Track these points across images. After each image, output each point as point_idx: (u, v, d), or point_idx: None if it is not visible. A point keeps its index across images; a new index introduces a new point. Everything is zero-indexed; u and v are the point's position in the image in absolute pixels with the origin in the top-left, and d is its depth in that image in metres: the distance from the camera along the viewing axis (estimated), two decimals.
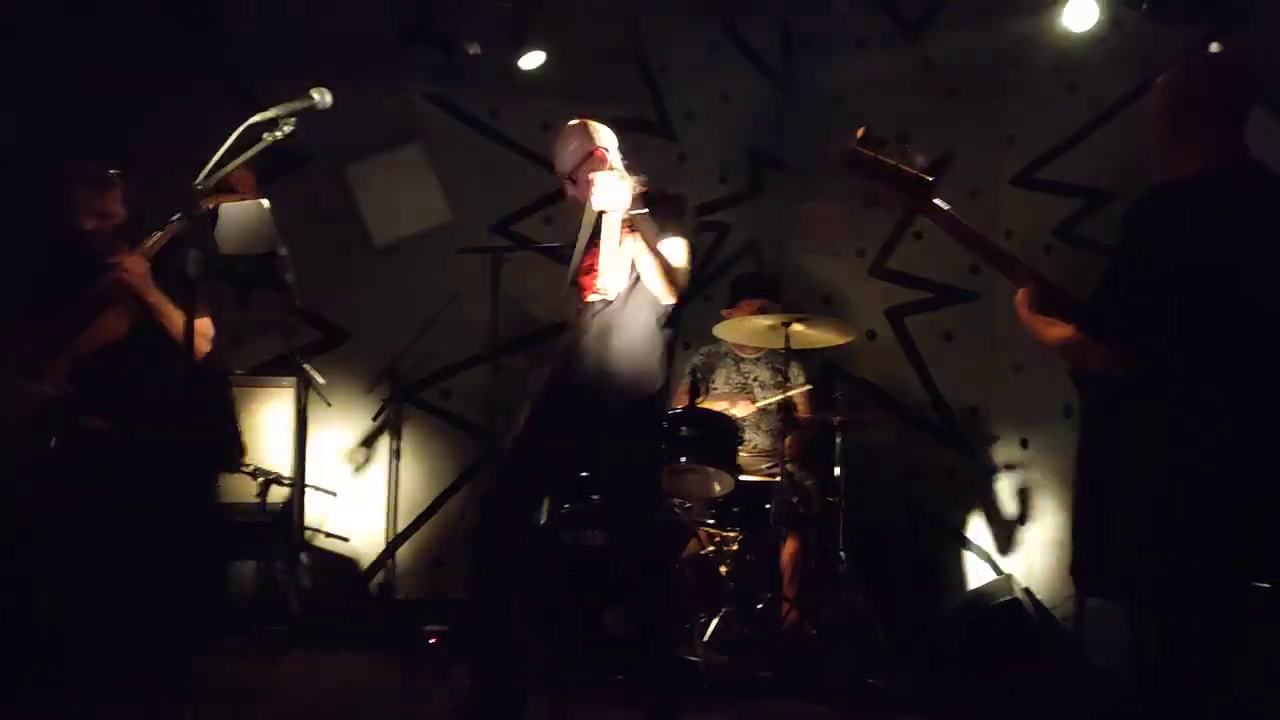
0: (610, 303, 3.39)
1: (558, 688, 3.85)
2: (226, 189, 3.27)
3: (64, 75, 4.80)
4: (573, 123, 3.58)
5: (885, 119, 5.55)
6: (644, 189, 3.34)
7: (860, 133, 2.58)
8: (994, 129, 5.34)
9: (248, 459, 4.62)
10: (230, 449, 4.62)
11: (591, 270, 3.40)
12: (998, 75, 5.32)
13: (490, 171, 5.60)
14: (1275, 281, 2.22)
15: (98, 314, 3.16)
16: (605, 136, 3.53)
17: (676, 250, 3.39)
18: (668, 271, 3.32)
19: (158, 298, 3.16)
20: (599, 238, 3.37)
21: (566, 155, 3.51)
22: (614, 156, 3.46)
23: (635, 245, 3.26)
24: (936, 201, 2.58)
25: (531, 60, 5.35)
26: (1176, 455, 2.27)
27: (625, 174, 3.22)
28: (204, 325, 3.41)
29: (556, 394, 3.42)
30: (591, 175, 3.18)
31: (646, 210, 3.23)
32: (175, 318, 3.25)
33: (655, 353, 3.44)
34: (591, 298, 3.41)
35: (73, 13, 4.69)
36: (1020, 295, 2.50)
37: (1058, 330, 2.44)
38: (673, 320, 3.52)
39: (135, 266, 3.12)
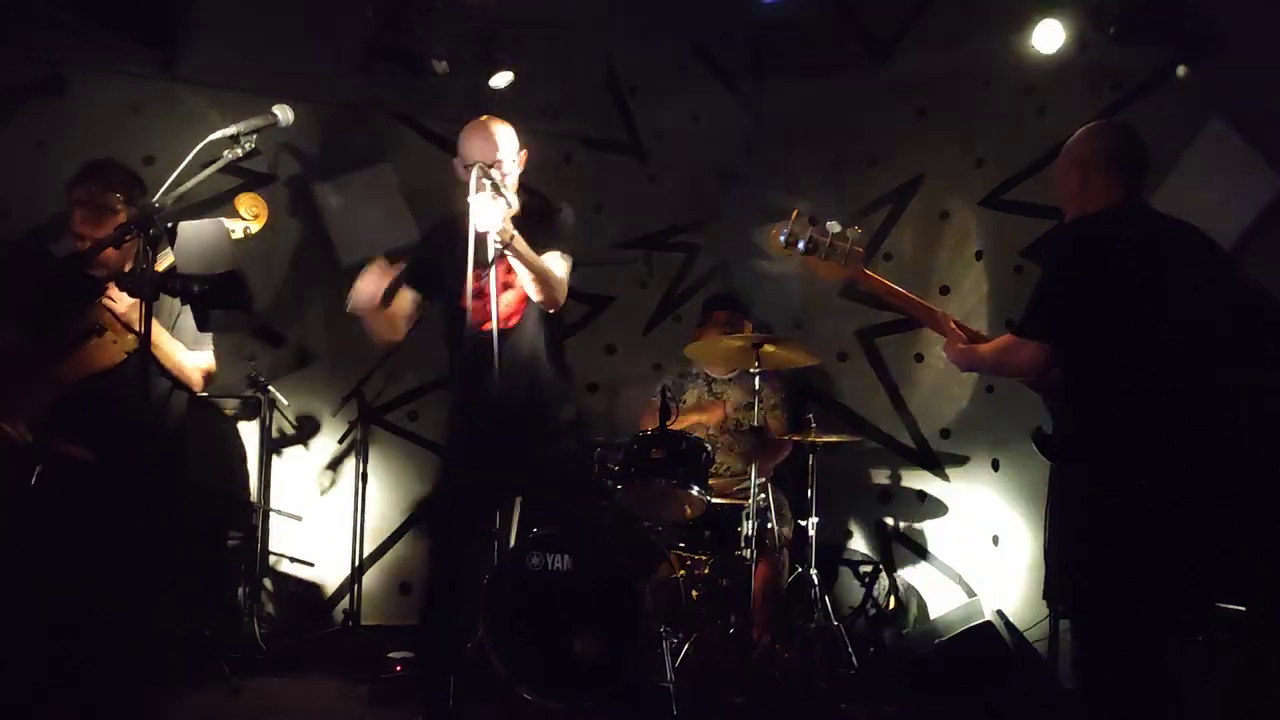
0: (502, 328, 3.35)
1: (524, 714, 3.80)
2: (232, 214, 3.23)
3: (28, 94, 4.75)
4: (472, 123, 3.53)
5: (855, 140, 5.59)
6: (521, 206, 3.40)
7: (795, 213, 2.85)
8: (964, 150, 5.35)
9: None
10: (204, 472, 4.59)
11: (482, 294, 3.32)
12: (967, 97, 5.33)
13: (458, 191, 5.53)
14: (1158, 304, 2.53)
15: (88, 341, 3.09)
16: (493, 143, 3.45)
17: (555, 264, 3.42)
18: (544, 281, 3.33)
19: (152, 328, 3.09)
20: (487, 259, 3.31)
21: (458, 160, 3.50)
22: (501, 166, 3.40)
23: (513, 259, 3.25)
24: (867, 271, 2.90)
25: (501, 80, 5.33)
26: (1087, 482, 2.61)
27: (500, 191, 3.15)
28: (203, 359, 3.34)
29: (467, 426, 3.42)
30: (468, 199, 3.10)
31: (514, 234, 3.19)
32: (170, 349, 3.18)
33: (551, 368, 3.53)
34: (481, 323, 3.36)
35: (40, 31, 4.62)
36: (946, 344, 2.92)
37: (984, 348, 2.80)
38: (557, 338, 3.63)
39: (123, 294, 3.05)
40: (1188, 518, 2.42)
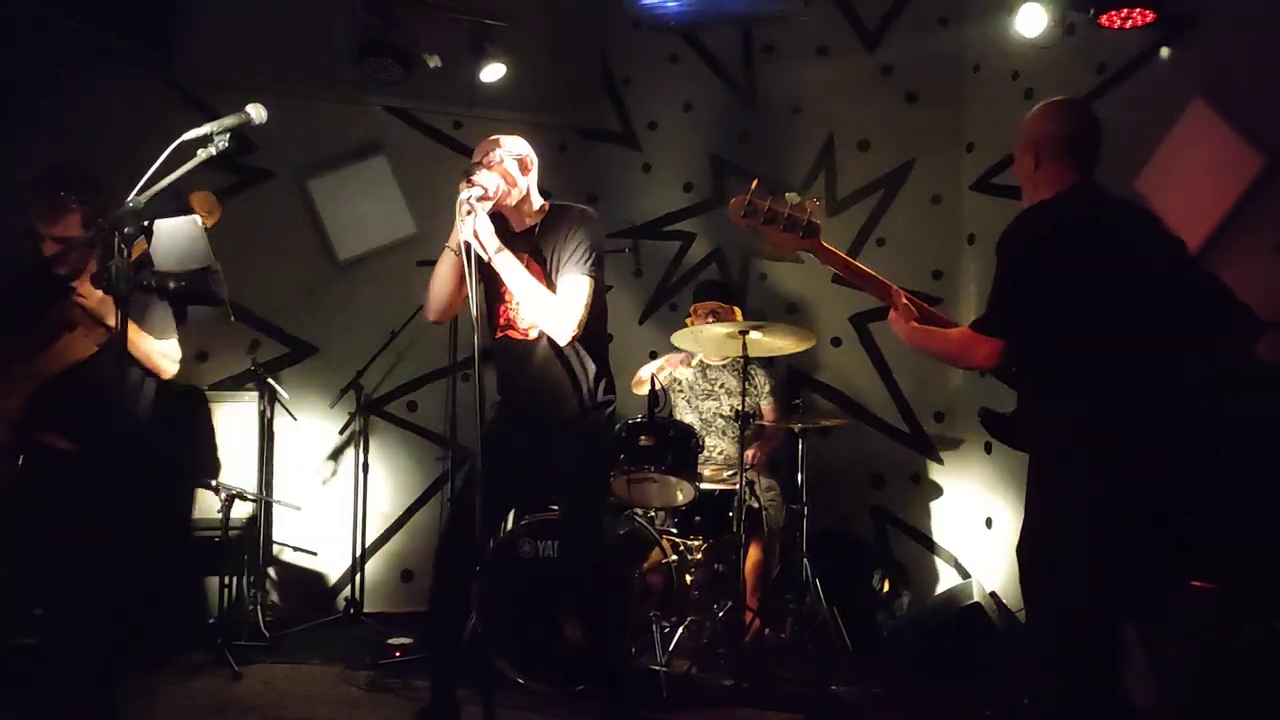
0: (528, 335, 3.32)
1: (516, 697, 3.87)
2: (186, 210, 3.30)
3: (24, 95, 4.82)
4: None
5: (846, 126, 5.60)
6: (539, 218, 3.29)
7: (755, 184, 2.88)
8: (953, 134, 5.37)
9: (217, 475, 4.66)
10: (205, 464, 4.67)
11: (502, 299, 3.34)
12: (956, 81, 5.35)
13: (454, 183, 5.58)
14: (1112, 289, 2.55)
15: (61, 336, 3.18)
16: (482, 147, 3.34)
17: (568, 286, 3.22)
18: (532, 307, 3.19)
19: (120, 320, 3.17)
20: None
21: None
22: (489, 177, 3.16)
23: (505, 279, 3.17)
24: (823, 243, 2.92)
25: (492, 73, 5.38)
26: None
27: (479, 202, 3.07)
28: (171, 347, 3.42)
29: (498, 431, 3.36)
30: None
31: (498, 250, 3.12)
32: (138, 339, 3.27)
33: (587, 370, 3.36)
34: (511, 333, 3.36)
35: (35, 32, 4.68)
36: (893, 315, 2.89)
37: (941, 335, 2.81)
38: (595, 338, 3.39)
39: (94, 291, 3.14)
40: (1145, 502, 2.43)
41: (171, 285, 2.44)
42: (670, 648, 4.20)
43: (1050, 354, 2.57)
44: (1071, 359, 2.54)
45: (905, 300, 2.86)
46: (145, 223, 2.44)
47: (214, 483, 4.56)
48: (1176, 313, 2.60)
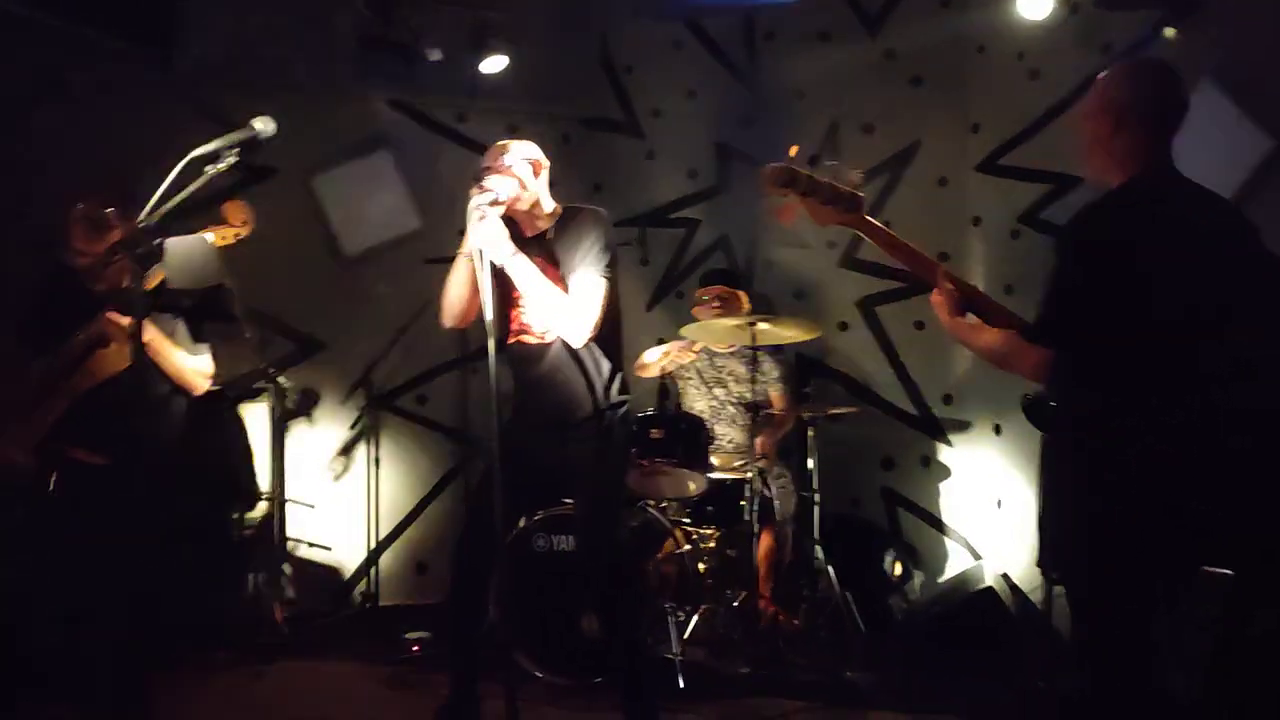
0: (538, 339, 3.31)
1: (535, 691, 3.90)
2: (220, 221, 3.30)
3: (29, 101, 4.82)
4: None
5: (850, 110, 5.58)
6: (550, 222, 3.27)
7: (794, 151, 2.62)
8: (959, 116, 5.34)
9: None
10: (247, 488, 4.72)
11: (515, 303, 3.33)
12: (961, 63, 5.32)
13: (459, 177, 5.56)
14: (1193, 290, 2.30)
15: (94, 352, 3.20)
16: (489, 153, 3.32)
17: (581, 287, 3.20)
18: (547, 310, 3.19)
19: (152, 335, 3.18)
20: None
21: None
22: (501, 182, 3.15)
23: (520, 284, 3.16)
24: (867, 216, 2.64)
25: (493, 64, 5.35)
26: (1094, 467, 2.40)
27: (491, 207, 3.05)
28: (204, 363, 3.44)
29: (513, 433, 3.33)
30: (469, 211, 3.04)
31: (513, 255, 3.11)
32: (171, 355, 3.29)
33: (602, 370, 3.33)
34: (525, 336, 3.35)
35: (38, 38, 4.68)
36: (935, 296, 2.59)
37: (987, 335, 2.51)
38: (609, 338, 3.35)
39: None
40: (1158, 493, 2.41)
41: (185, 303, 2.44)
42: (685, 637, 4.22)
43: (1077, 342, 2.40)
44: (1096, 349, 2.38)
45: (950, 284, 2.57)
46: (157, 242, 2.44)
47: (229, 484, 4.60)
48: (1228, 306, 2.38)
